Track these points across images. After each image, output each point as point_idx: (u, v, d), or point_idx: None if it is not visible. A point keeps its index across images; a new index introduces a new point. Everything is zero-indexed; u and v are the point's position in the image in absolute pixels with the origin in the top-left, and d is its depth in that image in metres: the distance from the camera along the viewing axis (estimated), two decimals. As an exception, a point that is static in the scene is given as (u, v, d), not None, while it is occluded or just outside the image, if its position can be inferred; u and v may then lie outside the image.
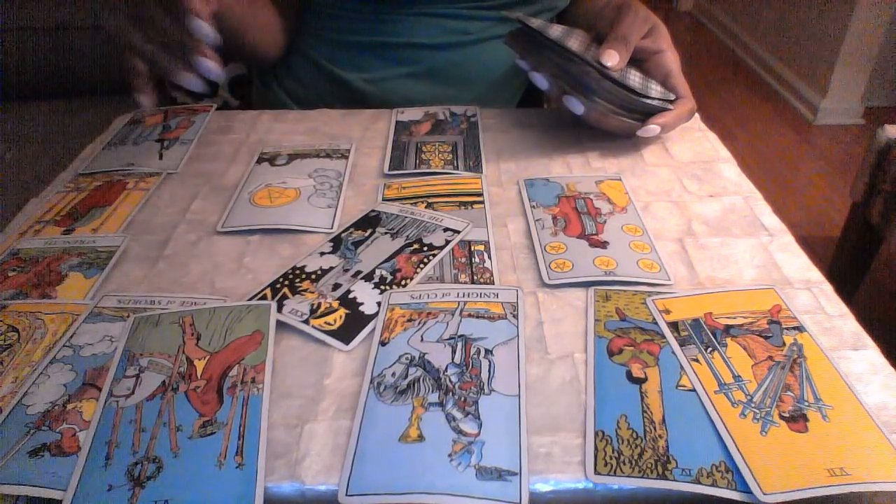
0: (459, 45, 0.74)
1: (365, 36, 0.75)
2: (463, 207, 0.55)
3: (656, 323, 0.42)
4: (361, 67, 0.76)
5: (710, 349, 0.40)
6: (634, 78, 0.59)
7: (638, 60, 0.62)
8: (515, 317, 0.42)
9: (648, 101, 0.59)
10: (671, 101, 0.61)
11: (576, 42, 0.59)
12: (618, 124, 0.60)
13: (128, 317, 0.43)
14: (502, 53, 0.75)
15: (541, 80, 0.59)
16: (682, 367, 0.39)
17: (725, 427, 0.35)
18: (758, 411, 0.36)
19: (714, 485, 0.32)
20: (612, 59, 0.57)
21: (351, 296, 0.45)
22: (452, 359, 0.39)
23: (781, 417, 0.35)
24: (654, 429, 0.35)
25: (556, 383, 0.38)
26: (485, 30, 0.75)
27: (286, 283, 0.46)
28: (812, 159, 2.25)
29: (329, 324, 0.43)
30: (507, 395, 0.37)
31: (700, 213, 0.54)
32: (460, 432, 0.35)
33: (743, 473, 0.32)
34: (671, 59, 0.62)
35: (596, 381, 0.38)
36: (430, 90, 0.76)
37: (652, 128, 0.59)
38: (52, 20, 1.31)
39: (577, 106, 0.58)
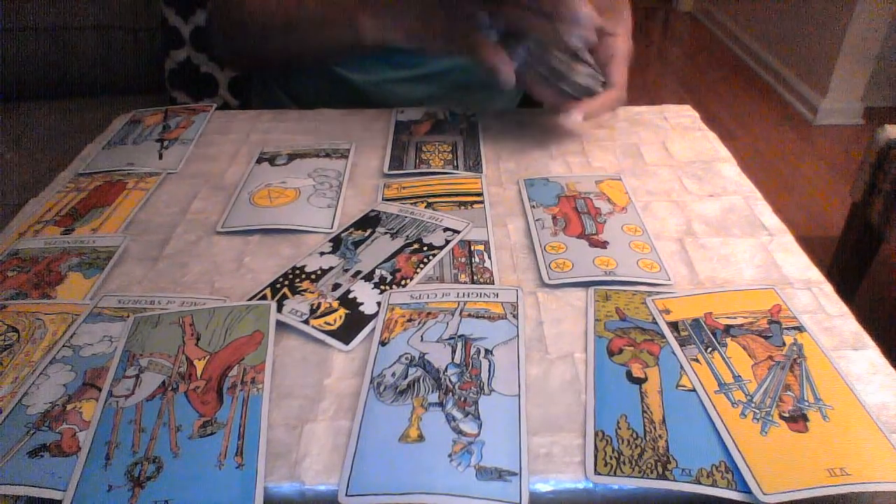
0: None
1: None
2: (463, 207, 0.55)
3: (656, 323, 0.42)
4: (362, 69, 0.76)
5: (710, 349, 0.40)
6: (562, 58, 0.59)
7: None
8: (515, 317, 0.42)
9: (574, 80, 0.59)
10: (602, 84, 0.60)
11: None
12: (549, 96, 0.60)
13: (128, 317, 0.43)
14: None
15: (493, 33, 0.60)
16: (682, 367, 0.39)
17: (725, 427, 0.35)
18: (758, 411, 0.35)
19: (714, 485, 0.32)
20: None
21: (351, 296, 0.45)
22: (452, 359, 0.39)
23: (781, 417, 0.35)
24: (654, 429, 0.35)
25: (556, 383, 0.38)
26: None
27: (286, 283, 0.46)
28: (812, 159, 2.25)
29: (329, 324, 0.43)
30: (507, 395, 0.37)
31: (700, 213, 0.54)
32: (460, 432, 0.35)
33: (743, 473, 0.32)
34: (619, 46, 0.61)
35: (596, 381, 0.38)
36: (431, 94, 0.76)
37: (573, 119, 0.59)
38: (52, 20, 1.31)
39: (519, 55, 0.59)
